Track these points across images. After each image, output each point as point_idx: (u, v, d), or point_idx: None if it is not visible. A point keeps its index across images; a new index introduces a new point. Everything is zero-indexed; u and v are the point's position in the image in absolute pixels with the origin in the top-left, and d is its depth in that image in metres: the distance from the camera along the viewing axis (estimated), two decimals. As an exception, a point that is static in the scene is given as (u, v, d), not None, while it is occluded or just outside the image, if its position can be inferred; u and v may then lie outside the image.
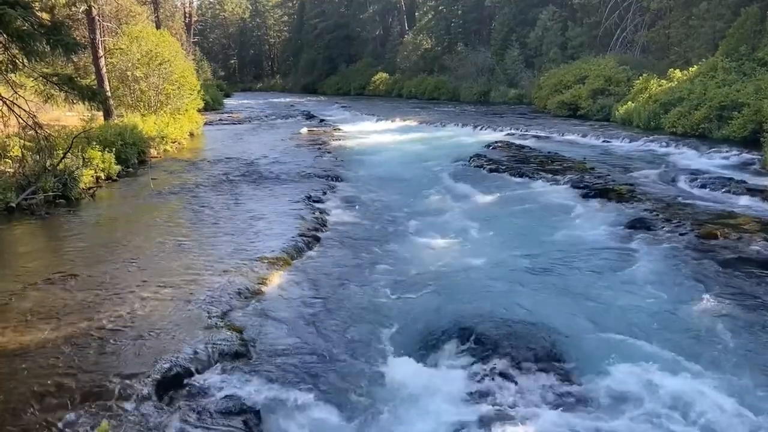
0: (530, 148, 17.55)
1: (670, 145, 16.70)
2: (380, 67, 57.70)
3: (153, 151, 17.59)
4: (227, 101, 50.22)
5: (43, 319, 6.00)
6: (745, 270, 7.24)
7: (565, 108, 26.64)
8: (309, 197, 11.78)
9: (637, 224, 9.29)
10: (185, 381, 4.86)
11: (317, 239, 9.09)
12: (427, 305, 6.62)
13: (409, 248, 8.76)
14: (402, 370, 5.22)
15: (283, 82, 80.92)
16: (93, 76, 19.75)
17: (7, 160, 11.90)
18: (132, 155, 15.55)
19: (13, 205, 10.55)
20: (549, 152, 16.54)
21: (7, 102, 10.22)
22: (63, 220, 10.42)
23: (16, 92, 10.44)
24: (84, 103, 10.61)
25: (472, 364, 5.24)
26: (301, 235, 8.99)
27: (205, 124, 27.30)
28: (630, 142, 18.07)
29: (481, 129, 23.50)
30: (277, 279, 7.30)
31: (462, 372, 5.17)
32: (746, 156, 14.27)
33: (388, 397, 4.85)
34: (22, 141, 11.70)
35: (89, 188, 12.47)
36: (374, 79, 56.14)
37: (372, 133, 24.73)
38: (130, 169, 15.11)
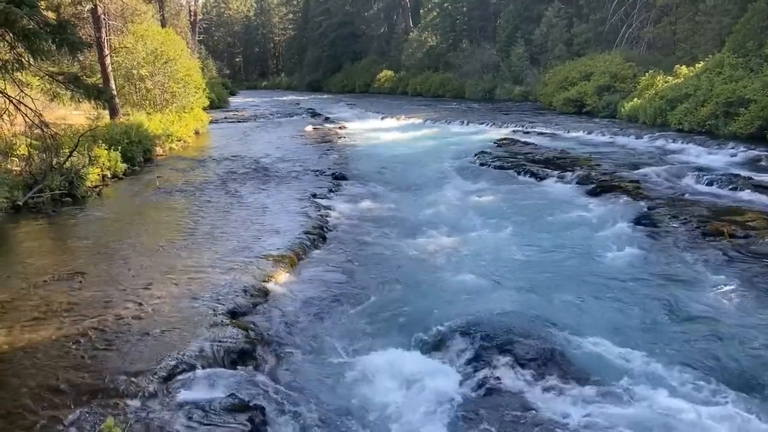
0: (536, 145, 17.51)
1: (676, 142, 16.61)
2: (385, 64, 57.64)
3: (159, 150, 17.65)
4: (232, 99, 50.37)
5: (49, 316, 6.03)
6: (751, 265, 7.20)
7: (571, 105, 26.54)
8: (314, 195, 11.79)
9: (644, 220, 9.26)
10: (191, 378, 4.87)
11: (322, 237, 9.10)
12: (432, 301, 6.61)
13: (414, 245, 8.75)
14: (406, 367, 5.22)
15: (288, 80, 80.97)
16: (98, 75, 19.79)
17: (13, 158, 11.94)
18: (138, 153, 15.61)
19: (20, 203, 10.60)
20: (554, 149, 16.51)
21: (14, 101, 10.25)
22: (69, 219, 10.46)
23: (22, 91, 10.46)
24: (90, 102, 10.63)
25: (477, 360, 5.23)
26: (306, 233, 9.00)
27: (211, 122, 27.37)
28: (636, 138, 18.00)
29: (486, 126, 23.51)
30: (282, 277, 7.31)
31: (465, 368, 5.16)
32: (753, 152, 14.18)
33: (391, 394, 4.85)
34: (28, 140, 11.75)
35: (95, 186, 12.52)
36: (379, 77, 56.09)
37: (377, 131, 24.71)
38: (136, 168, 15.16)
